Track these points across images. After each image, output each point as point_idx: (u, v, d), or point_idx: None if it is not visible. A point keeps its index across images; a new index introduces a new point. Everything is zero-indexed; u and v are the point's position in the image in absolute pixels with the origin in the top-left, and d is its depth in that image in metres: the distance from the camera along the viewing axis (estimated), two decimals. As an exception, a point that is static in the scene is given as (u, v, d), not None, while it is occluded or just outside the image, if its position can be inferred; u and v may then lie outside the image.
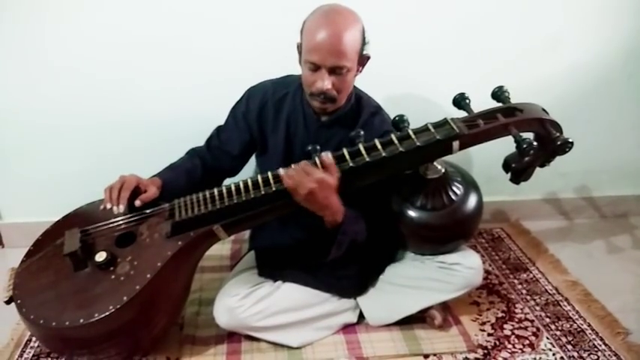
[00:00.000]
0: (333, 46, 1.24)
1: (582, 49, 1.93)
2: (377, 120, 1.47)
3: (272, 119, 1.49)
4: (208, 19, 1.71)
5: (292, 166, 1.23)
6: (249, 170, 1.66)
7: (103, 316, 1.15)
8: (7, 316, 1.37)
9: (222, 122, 1.56)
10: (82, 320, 1.15)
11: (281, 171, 1.23)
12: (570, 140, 1.24)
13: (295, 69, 1.46)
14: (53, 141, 1.86)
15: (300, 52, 1.36)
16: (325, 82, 1.28)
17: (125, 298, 1.17)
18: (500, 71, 1.87)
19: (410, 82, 1.90)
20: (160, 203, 1.35)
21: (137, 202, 1.31)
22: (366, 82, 1.47)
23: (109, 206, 1.30)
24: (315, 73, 1.29)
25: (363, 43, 1.32)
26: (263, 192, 1.24)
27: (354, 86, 1.45)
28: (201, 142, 1.57)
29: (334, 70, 1.28)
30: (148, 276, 1.20)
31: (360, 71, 1.39)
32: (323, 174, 1.19)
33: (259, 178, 1.26)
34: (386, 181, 1.32)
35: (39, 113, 1.80)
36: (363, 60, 1.36)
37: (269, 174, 1.26)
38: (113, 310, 1.15)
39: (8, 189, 1.95)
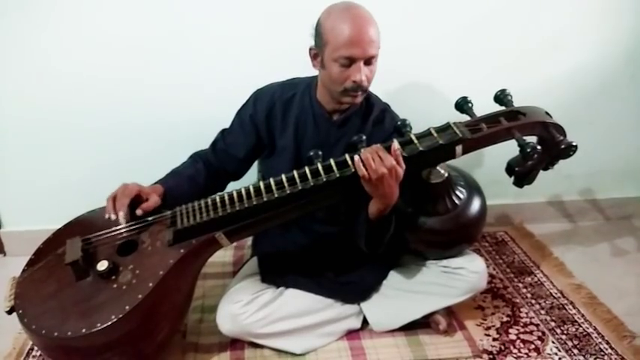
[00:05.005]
0: (369, 37, 1.26)
1: (584, 50, 1.92)
2: (387, 118, 1.48)
3: (280, 120, 1.48)
4: (212, 23, 1.70)
5: (364, 150, 1.21)
6: (251, 175, 1.66)
7: (105, 325, 1.14)
8: (9, 324, 1.36)
9: (227, 125, 1.55)
10: (84, 330, 1.14)
11: (355, 157, 1.20)
12: (574, 144, 1.22)
13: (300, 72, 1.46)
14: (54, 148, 1.85)
15: (316, 55, 1.35)
16: (362, 75, 1.29)
17: (127, 307, 1.16)
18: (502, 72, 1.87)
19: (411, 82, 1.89)
20: (162, 210, 1.34)
21: (138, 212, 1.29)
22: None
23: (106, 216, 1.29)
24: (348, 68, 1.29)
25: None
26: (265, 198, 1.23)
27: None
28: (205, 146, 1.55)
29: (369, 61, 1.30)
30: (151, 284, 1.20)
31: None
32: (395, 163, 1.19)
33: (261, 184, 1.25)
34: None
35: (40, 120, 1.79)
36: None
37: (271, 180, 1.25)
38: (115, 319, 1.14)
39: (9, 196, 1.95)
